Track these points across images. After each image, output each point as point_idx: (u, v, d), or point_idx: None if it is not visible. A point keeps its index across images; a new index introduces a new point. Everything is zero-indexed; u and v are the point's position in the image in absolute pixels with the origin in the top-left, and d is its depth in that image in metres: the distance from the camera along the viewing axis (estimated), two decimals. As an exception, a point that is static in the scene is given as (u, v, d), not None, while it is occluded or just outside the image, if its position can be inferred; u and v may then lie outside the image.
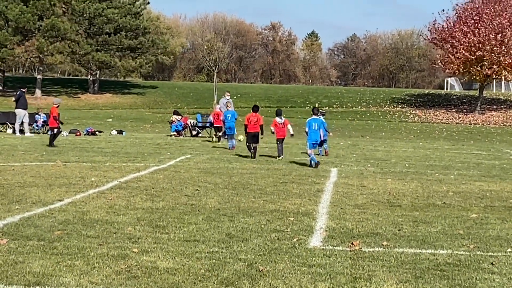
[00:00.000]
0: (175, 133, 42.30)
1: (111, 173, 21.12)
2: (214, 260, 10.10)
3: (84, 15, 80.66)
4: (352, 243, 11.52)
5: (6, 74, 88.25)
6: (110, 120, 58.13)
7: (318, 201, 16.56)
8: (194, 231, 12.28)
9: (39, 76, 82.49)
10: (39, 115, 42.98)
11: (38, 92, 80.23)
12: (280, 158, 27.80)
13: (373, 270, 9.88)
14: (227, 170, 23.15)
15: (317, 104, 73.45)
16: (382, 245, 11.56)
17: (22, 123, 40.65)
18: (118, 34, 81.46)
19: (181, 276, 9.19)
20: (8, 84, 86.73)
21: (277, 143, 28.63)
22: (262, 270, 9.60)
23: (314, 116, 25.55)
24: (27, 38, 79.22)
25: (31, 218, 13.10)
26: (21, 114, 40.64)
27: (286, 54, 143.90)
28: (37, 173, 20.66)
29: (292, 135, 29.43)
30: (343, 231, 12.73)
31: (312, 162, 24.64)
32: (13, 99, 42.55)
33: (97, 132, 43.45)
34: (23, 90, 41.99)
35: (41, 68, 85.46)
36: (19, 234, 11.57)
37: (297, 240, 11.76)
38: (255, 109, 29.31)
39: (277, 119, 28.69)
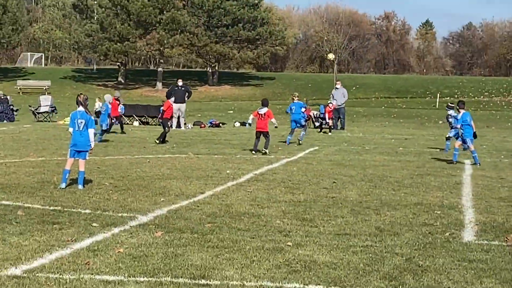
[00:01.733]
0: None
1: (245, 165, 21.25)
2: (370, 254, 9.99)
3: (203, 8, 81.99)
4: (506, 238, 11.24)
5: (126, 67, 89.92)
6: (231, 112, 58.54)
7: (460, 194, 16.26)
8: (343, 224, 12.20)
9: (160, 69, 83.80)
10: (164, 107, 43.56)
11: (159, 84, 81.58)
12: (253, 152, 25.28)
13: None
14: (359, 162, 22.99)
15: (438, 94, 72.39)
16: (539, 240, 11.24)
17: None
18: (236, 26, 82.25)
19: (342, 270, 9.11)
20: (129, 77, 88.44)
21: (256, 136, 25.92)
22: (421, 265, 9.45)
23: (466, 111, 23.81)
24: (148, 31, 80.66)
25: (178, 210, 13.26)
26: (182, 109, 40.43)
27: (400, 43, 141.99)
28: (172, 165, 20.94)
29: (276, 127, 27.28)
30: (494, 225, 12.43)
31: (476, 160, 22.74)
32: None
33: (220, 124, 43.87)
34: (180, 84, 41.47)
35: (161, 60, 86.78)
36: (172, 227, 11.70)
37: (449, 234, 11.54)
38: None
39: (260, 109, 25.99)
